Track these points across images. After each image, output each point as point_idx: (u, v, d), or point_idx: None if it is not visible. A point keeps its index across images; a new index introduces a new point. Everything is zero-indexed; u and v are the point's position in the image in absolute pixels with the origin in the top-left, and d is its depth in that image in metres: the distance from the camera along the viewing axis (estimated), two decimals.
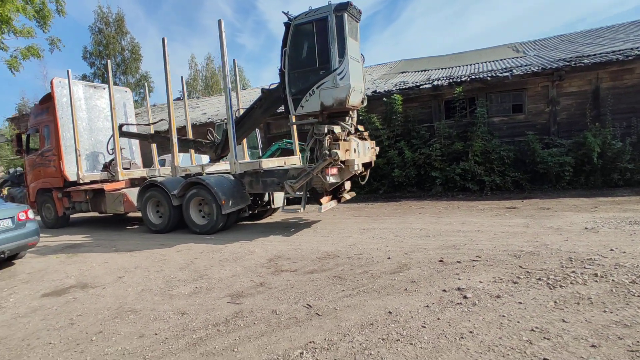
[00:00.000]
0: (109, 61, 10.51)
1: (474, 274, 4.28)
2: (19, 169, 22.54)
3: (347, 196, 8.36)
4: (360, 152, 7.24)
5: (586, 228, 5.89)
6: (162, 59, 8.20)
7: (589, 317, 3.08)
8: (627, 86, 10.20)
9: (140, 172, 10.33)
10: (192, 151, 10.58)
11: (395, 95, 11.80)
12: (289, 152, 11.44)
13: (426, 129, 11.72)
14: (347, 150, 6.76)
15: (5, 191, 18.52)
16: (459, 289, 3.88)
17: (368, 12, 78.82)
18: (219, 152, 9.10)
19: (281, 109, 8.06)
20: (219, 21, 7.26)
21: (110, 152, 10.34)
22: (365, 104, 7.61)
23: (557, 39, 17.10)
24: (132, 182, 10.25)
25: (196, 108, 21.30)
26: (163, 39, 8.21)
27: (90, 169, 10.57)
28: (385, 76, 15.87)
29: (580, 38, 15.65)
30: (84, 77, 32.65)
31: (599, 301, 3.35)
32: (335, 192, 8.00)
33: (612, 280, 3.76)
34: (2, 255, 6.14)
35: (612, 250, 4.69)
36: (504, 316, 3.22)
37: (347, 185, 8.41)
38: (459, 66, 14.74)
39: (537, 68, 10.78)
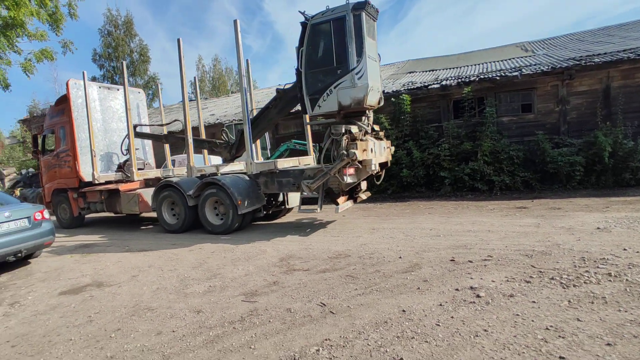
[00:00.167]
0: (124, 62, 10.46)
1: (486, 273, 4.29)
2: (30, 170, 22.94)
3: (363, 196, 8.34)
4: (376, 151, 7.22)
5: (598, 228, 5.86)
6: (177, 60, 8.25)
7: (603, 316, 3.09)
8: (638, 85, 10.08)
9: (154, 172, 10.41)
10: (205, 152, 10.64)
11: (403, 95, 11.80)
12: (298, 153, 11.50)
13: (435, 129, 11.71)
14: (364, 150, 6.74)
15: (17, 192, 18.84)
16: (471, 288, 3.90)
17: None
18: (233, 152, 9.12)
19: (296, 108, 8.07)
20: (235, 21, 7.31)
21: (124, 152, 10.45)
22: (382, 103, 7.57)
23: (566, 37, 16.95)
24: (147, 183, 10.33)
25: (204, 109, 21.46)
26: (178, 40, 8.30)
27: (104, 170, 10.67)
28: (393, 76, 15.86)
29: (590, 37, 15.50)
30: (94, 79, 33.08)
31: (613, 300, 3.36)
32: (352, 192, 7.99)
33: (626, 280, 3.75)
34: (20, 254, 6.29)
35: (625, 250, 4.67)
36: (518, 315, 3.24)
37: (363, 185, 8.38)
38: (467, 66, 14.67)
39: (546, 67, 10.71)
